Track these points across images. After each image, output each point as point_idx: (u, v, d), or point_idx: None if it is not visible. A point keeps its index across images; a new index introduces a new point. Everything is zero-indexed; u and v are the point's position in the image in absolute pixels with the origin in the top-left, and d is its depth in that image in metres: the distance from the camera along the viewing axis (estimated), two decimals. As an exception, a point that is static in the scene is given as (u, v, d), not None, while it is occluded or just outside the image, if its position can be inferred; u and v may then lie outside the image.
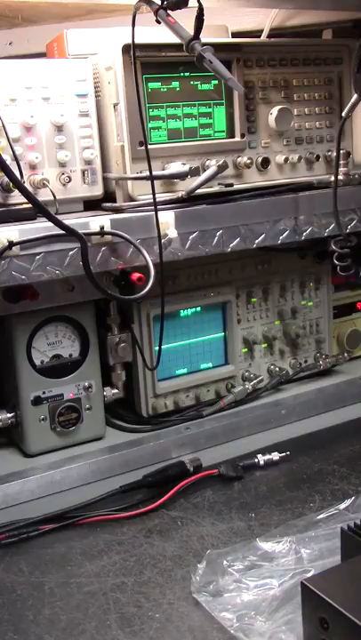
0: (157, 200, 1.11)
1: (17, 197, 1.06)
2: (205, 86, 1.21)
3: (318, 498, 1.09)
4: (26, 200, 1.00)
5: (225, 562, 0.89)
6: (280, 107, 1.26)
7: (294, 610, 0.80)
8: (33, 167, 1.11)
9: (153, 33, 1.14)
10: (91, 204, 1.18)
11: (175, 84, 1.18)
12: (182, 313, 1.34)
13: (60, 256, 1.05)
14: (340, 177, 1.25)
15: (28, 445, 1.22)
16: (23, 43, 1.51)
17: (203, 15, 1.03)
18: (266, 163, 1.27)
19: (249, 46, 1.24)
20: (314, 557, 0.90)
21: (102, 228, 1.07)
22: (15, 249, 1.01)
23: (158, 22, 1.07)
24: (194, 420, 1.33)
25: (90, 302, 1.22)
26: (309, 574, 0.86)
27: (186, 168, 1.16)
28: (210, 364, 1.39)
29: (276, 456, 1.21)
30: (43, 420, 1.21)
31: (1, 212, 1.06)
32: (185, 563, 0.95)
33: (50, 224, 1.00)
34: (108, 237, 1.08)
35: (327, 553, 0.90)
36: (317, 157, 1.32)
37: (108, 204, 1.16)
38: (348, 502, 1.02)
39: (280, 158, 1.28)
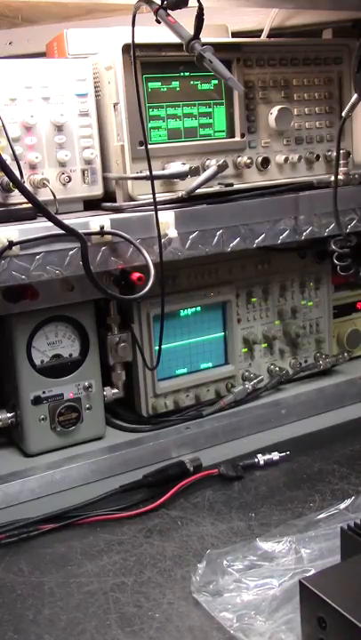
0: (157, 200, 1.11)
1: (17, 197, 1.06)
2: (205, 86, 1.21)
3: (318, 497, 1.09)
4: (26, 200, 1.00)
5: (225, 562, 0.89)
6: (280, 106, 1.26)
7: (294, 610, 0.80)
8: (33, 167, 1.11)
9: (153, 33, 1.14)
10: (91, 204, 1.18)
11: (175, 83, 1.18)
12: (182, 313, 1.34)
13: (60, 256, 1.05)
14: (340, 177, 1.25)
15: (28, 445, 1.22)
16: (23, 42, 1.51)
17: (203, 15, 1.03)
18: (266, 162, 1.27)
19: (249, 46, 1.24)
20: (314, 557, 0.90)
21: (102, 227, 1.07)
22: (15, 249, 1.01)
23: (158, 22, 1.07)
24: (194, 419, 1.33)
25: (90, 302, 1.22)
26: (309, 574, 0.86)
27: (186, 168, 1.16)
28: (210, 364, 1.39)
29: (276, 456, 1.21)
30: (43, 419, 1.21)
31: (1, 212, 1.06)
32: (185, 562, 0.95)
33: (50, 224, 1.00)
34: (108, 237, 1.08)
35: (327, 553, 0.90)
36: (317, 157, 1.32)
37: (108, 204, 1.16)
38: (348, 502, 1.02)
39: (280, 158, 1.28)
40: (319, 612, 0.71)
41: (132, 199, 1.16)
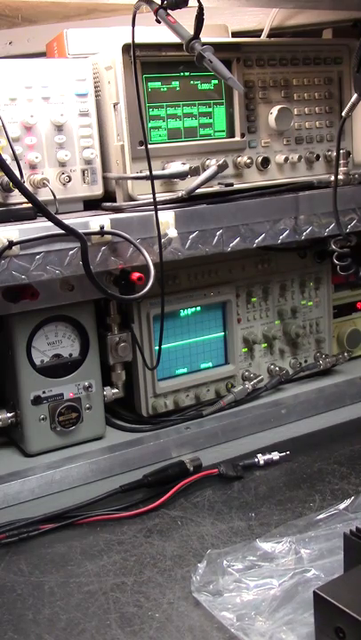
0: (157, 200, 1.11)
1: (17, 197, 1.06)
2: (205, 86, 1.21)
3: (318, 497, 1.09)
4: (26, 200, 1.00)
5: (225, 562, 0.89)
6: (280, 106, 1.26)
7: (294, 610, 0.80)
8: (33, 167, 1.11)
9: (153, 32, 1.14)
10: (91, 204, 1.18)
11: (175, 83, 1.18)
12: (182, 313, 1.34)
13: (60, 256, 1.05)
14: (340, 176, 1.25)
15: (27, 445, 1.22)
16: (23, 42, 1.51)
17: (203, 15, 1.03)
18: (266, 162, 1.27)
19: (249, 46, 1.24)
20: (314, 557, 0.90)
21: (102, 227, 1.07)
22: (15, 248, 1.01)
23: (158, 22, 1.07)
24: (194, 419, 1.33)
25: (90, 302, 1.22)
26: (309, 574, 0.86)
27: (186, 168, 1.16)
28: (210, 364, 1.39)
29: (275, 456, 1.21)
30: (43, 419, 1.21)
31: (1, 212, 1.06)
32: (185, 562, 0.95)
33: (50, 224, 1.00)
34: (108, 237, 1.08)
35: (327, 553, 0.90)
36: (317, 157, 1.32)
37: (108, 204, 1.16)
38: (347, 502, 1.02)
39: (280, 158, 1.28)
40: (337, 622, 0.70)
41: (132, 199, 1.16)
